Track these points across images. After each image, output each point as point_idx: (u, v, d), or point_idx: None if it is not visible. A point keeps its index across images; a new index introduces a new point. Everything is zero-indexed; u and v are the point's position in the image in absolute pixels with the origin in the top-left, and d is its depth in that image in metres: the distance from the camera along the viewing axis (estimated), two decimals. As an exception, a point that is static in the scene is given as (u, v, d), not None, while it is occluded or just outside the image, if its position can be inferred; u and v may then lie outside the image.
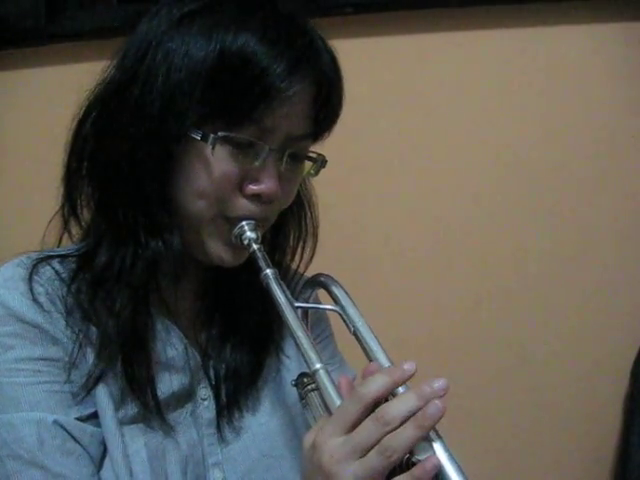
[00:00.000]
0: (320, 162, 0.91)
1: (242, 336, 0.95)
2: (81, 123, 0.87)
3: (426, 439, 0.66)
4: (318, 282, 0.89)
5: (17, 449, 0.78)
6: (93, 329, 0.84)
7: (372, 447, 0.66)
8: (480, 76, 1.60)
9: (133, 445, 0.83)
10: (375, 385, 0.69)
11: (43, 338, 0.82)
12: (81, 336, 0.83)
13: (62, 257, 0.89)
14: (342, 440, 0.68)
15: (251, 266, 0.85)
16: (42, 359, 0.82)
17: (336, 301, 0.85)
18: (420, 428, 0.65)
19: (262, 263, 0.83)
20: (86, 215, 0.90)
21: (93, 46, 1.46)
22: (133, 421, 0.85)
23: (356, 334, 0.80)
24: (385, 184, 1.59)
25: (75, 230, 0.91)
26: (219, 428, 0.92)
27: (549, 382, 1.63)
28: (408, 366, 0.69)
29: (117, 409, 0.84)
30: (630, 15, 1.55)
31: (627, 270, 1.61)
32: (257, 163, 0.83)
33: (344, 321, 0.82)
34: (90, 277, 0.86)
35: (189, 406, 0.91)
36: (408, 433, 0.65)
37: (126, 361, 0.84)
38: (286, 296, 0.80)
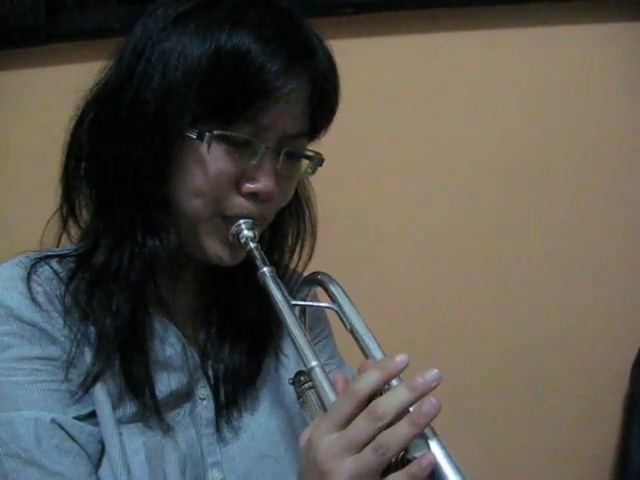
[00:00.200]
0: (317, 161, 0.91)
1: (241, 335, 0.96)
2: (78, 124, 0.88)
3: (422, 437, 0.66)
4: (315, 280, 0.89)
5: (15, 448, 0.78)
6: (91, 328, 0.84)
7: (366, 442, 0.66)
8: (480, 76, 1.60)
9: (131, 444, 0.83)
10: (367, 380, 0.68)
11: (41, 337, 0.82)
12: (79, 335, 0.83)
13: (61, 257, 0.89)
14: (336, 436, 0.67)
15: (249, 265, 0.85)
16: (40, 358, 0.82)
17: (333, 299, 0.85)
18: (415, 425, 0.65)
19: (259, 261, 0.83)
20: (85, 215, 0.90)
21: (93, 46, 1.46)
22: (131, 420, 0.85)
23: (352, 331, 0.80)
24: (383, 183, 1.60)
25: (74, 230, 0.91)
26: (218, 428, 0.92)
27: (549, 382, 1.63)
28: (400, 358, 0.69)
29: (115, 408, 0.84)
30: (630, 15, 1.55)
31: (627, 270, 1.61)
32: (254, 162, 0.83)
33: (341, 319, 0.82)
34: (88, 276, 0.86)
35: (188, 405, 0.91)
36: (403, 430, 0.65)
37: (124, 360, 0.84)
38: (283, 294, 0.80)
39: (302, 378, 0.81)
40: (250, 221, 0.85)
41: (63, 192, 0.90)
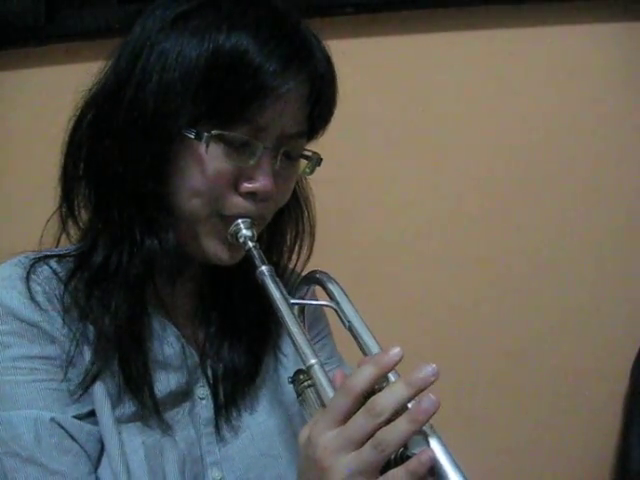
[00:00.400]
0: (315, 160, 0.91)
1: (240, 335, 0.96)
2: (77, 124, 0.88)
3: (422, 434, 0.66)
4: (314, 278, 0.89)
5: (14, 447, 0.79)
6: (90, 328, 0.85)
7: (365, 439, 0.66)
8: (480, 76, 1.60)
9: (130, 443, 0.84)
10: (362, 376, 0.68)
11: (40, 336, 0.83)
12: (78, 334, 0.84)
13: (60, 257, 0.89)
14: (335, 433, 0.67)
15: (248, 264, 0.85)
16: (39, 357, 0.82)
17: (331, 297, 0.85)
18: (414, 422, 0.65)
19: (257, 260, 0.83)
20: (84, 216, 0.90)
21: (93, 46, 1.46)
22: (130, 419, 0.85)
23: (351, 329, 0.80)
24: (383, 183, 1.60)
25: (73, 231, 0.91)
26: (217, 427, 0.92)
27: (549, 382, 1.63)
28: (394, 352, 0.69)
29: (114, 407, 0.84)
30: (630, 15, 1.55)
31: (627, 270, 1.61)
32: (252, 162, 0.83)
33: (339, 316, 0.83)
34: (87, 276, 0.86)
35: (187, 405, 0.91)
36: (402, 427, 0.65)
37: (123, 359, 0.85)
38: (281, 292, 0.80)
39: (301, 376, 0.81)
40: (248, 220, 0.85)
41: (62, 192, 0.90)
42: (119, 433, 0.83)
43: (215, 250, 0.87)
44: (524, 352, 1.62)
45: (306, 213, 1.00)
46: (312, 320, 1.03)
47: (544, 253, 1.62)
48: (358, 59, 1.49)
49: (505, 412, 1.64)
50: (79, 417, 0.82)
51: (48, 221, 0.91)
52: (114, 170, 0.84)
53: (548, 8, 1.56)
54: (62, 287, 0.86)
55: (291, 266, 1.02)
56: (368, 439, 0.66)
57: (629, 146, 1.60)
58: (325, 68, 0.87)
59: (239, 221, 0.85)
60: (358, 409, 0.68)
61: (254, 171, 0.84)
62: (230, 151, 0.83)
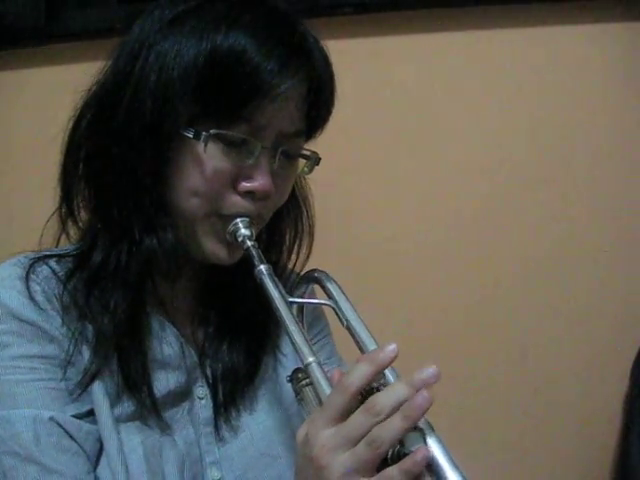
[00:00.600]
0: (314, 160, 0.92)
1: (239, 334, 0.96)
2: (76, 124, 0.88)
3: (419, 432, 0.66)
4: (312, 277, 0.90)
5: (13, 445, 0.79)
6: (89, 327, 0.85)
7: (363, 438, 0.66)
8: (480, 76, 1.60)
9: (129, 443, 0.84)
10: (358, 374, 0.68)
11: (39, 336, 0.83)
12: (77, 334, 0.84)
13: (59, 257, 0.90)
14: (332, 431, 0.67)
15: (247, 264, 0.85)
16: (38, 357, 0.82)
17: (330, 296, 0.85)
18: (407, 419, 0.65)
19: (256, 259, 0.83)
20: (83, 216, 0.90)
21: (93, 46, 1.46)
22: (129, 419, 0.85)
23: (349, 328, 0.80)
24: (382, 183, 1.59)
25: (73, 231, 0.91)
26: (216, 427, 0.92)
27: (549, 382, 1.63)
28: (390, 348, 0.69)
29: (113, 406, 0.84)
30: (631, 15, 1.55)
31: (627, 270, 1.61)
32: (250, 161, 0.83)
33: (337, 315, 0.83)
34: (86, 275, 0.86)
35: (186, 404, 0.91)
36: (395, 424, 0.65)
37: (122, 359, 0.85)
38: (280, 291, 0.80)
39: (299, 375, 0.81)
40: (247, 220, 0.85)
41: (62, 192, 0.90)
42: (118, 432, 0.83)
43: (214, 249, 0.87)
44: (524, 352, 1.62)
45: (305, 212, 1.00)
46: (312, 319, 1.03)
47: (544, 253, 1.61)
48: (357, 59, 1.50)
49: (505, 412, 1.63)
50: (78, 416, 0.82)
51: (48, 221, 0.92)
52: (113, 170, 0.84)
53: (548, 8, 1.56)
54: (61, 287, 0.86)
55: (290, 265, 1.02)
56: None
57: (629, 146, 1.59)
58: (323, 67, 0.87)
59: (238, 220, 0.85)
60: (355, 407, 0.68)
61: (252, 170, 0.84)
62: (228, 150, 0.83)
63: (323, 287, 0.87)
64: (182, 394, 0.91)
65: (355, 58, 1.49)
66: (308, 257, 1.00)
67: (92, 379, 0.83)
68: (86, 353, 0.84)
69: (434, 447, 0.66)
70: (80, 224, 0.91)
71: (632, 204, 1.60)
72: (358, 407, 0.68)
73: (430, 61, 1.59)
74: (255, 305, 0.92)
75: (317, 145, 0.93)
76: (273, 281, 0.81)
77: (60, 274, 0.87)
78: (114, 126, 0.83)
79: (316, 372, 0.73)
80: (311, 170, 0.93)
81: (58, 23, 1.53)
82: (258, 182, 0.84)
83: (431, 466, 0.65)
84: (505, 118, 1.60)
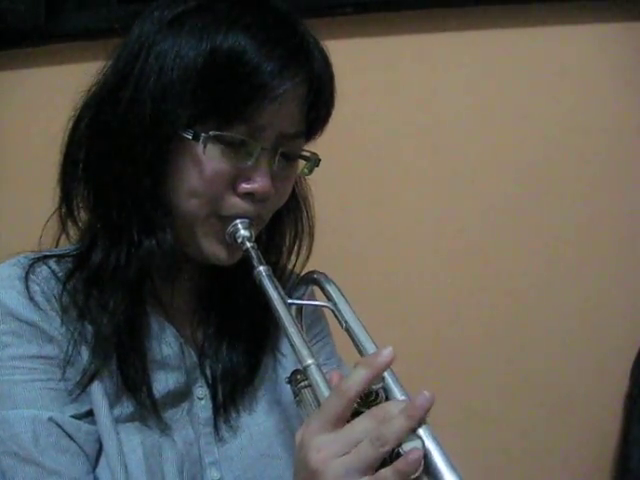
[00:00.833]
0: (313, 161, 0.92)
1: (238, 335, 0.96)
2: (76, 124, 0.88)
3: (415, 433, 0.66)
4: (311, 279, 0.90)
5: (12, 446, 0.79)
6: (88, 327, 0.85)
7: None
8: (480, 76, 1.60)
9: (129, 443, 0.84)
10: (356, 378, 0.68)
11: (39, 336, 0.83)
12: (76, 334, 0.84)
13: (59, 257, 0.90)
14: (330, 437, 0.67)
15: (247, 264, 0.85)
16: (38, 357, 0.82)
17: (329, 298, 0.85)
18: (410, 418, 0.65)
19: (255, 261, 0.83)
20: (83, 216, 0.90)
21: (93, 46, 1.45)
22: (129, 419, 0.85)
23: (348, 330, 0.80)
24: (383, 184, 1.59)
25: (73, 231, 0.91)
26: (216, 427, 0.92)
27: (549, 382, 1.63)
28: (386, 352, 0.69)
29: (112, 407, 0.84)
30: (631, 15, 1.55)
31: (627, 270, 1.61)
32: (249, 162, 0.83)
33: (336, 317, 0.83)
34: (85, 276, 0.86)
35: (185, 405, 0.91)
36: (399, 423, 0.65)
37: (121, 359, 0.85)
38: (279, 293, 0.80)
39: (298, 377, 0.81)
40: (247, 221, 0.85)
41: (61, 193, 0.90)
42: (117, 433, 0.83)
43: (213, 250, 0.87)
44: (524, 352, 1.62)
45: (305, 213, 1.00)
46: (312, 321, 1.03)
47: (544, 253, 1.62)
48: (356, 59, 1.50)
49: (505, 412, 1.63)
50: (77, 417, 0.83)
51: (47, 221, 0.92)
52: (112, 170, 0.84)
53: (548, 8, 1.56)
54: (60, 287, 0.86)
55: (290, 266, 1.02)
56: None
57: (630, 146, 1.59)
58: (323, 68, 0.87)
59: (237, 221, 0.85)
60: (351, 411, 0.68)
61: (252, 171, 0.84)
62: (228, 151, 0.83)
63: (322, 289, 0.87)
64: (181, 394, 0.91)
65: (355, 58, 1.49)
66: (308, 258, 1.00)
67: (91, 379, 0.83)
68: (85, 353, 0.84)
69: (431, 447, 0.66)
70: (80, 224, 0.91)
71: (632, 204, 1.61)
72: (355, 410, 0.68)
73: (430, 61, 1.59)
74: (255, 306, 0.92)
75: (317, 146, 0.92)
76: (272, 282, 0.81)
77: (59, 274, 0.87)
78: (113, 127, 0.83)
79: (315, 374, 0.73)
80: (311, 171, 0.92)
81: (58, 23, 1.53)
82: (257, 183, 0.84)
83: (427, 466, 0.65)
84: (505, 118, 1.60)
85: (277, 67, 0.80)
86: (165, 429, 0.87)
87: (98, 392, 0.83)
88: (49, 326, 0.83)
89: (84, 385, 0.83)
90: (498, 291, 1.62)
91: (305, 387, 0.79)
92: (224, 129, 0.82)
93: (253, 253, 0.84)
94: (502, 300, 1.62)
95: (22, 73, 1.59)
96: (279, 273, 0.97)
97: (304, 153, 0.91)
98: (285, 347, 0.99)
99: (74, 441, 0.81)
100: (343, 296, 0.84)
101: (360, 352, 0.78)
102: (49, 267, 0.88)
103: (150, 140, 0.81)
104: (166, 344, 0.91)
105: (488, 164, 1.60)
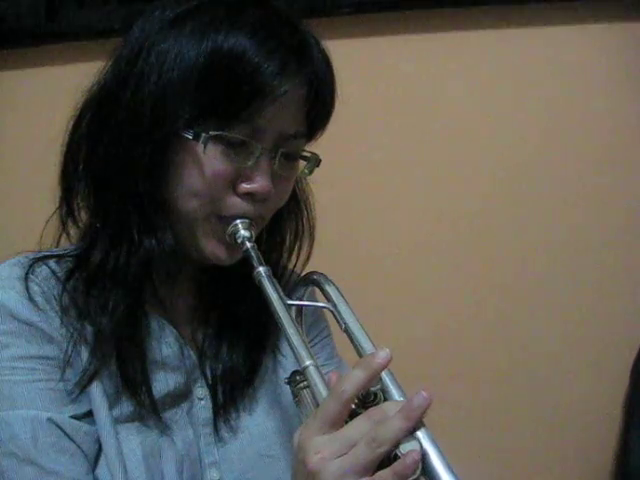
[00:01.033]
0: (314, 161, 0.92)
1: (238, 335, 0.96)
2: (76, 124, 0.88)
3: (413, 434, 0.66)
4: (311, 280, 0.90)
5: (11, 446, 0.79)
6: (88, 328, 0.85)
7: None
8: (480, 76, 1.60)
9: (128, 443, 0.84)
10: (351, 381, 0.68)
11: (38, 337, 0.83)
12: (76, 334, 0.84)
13: (59, 257, 0.90)
14: (327, 438, 0.67)
15: (247, 265, 0.85)
16: (37, 357, 0.82)
17: (328, 299, 0.85)
18: (407, 419, 0.65)
19: (255, 261, 0.83)
20: (84, 216, 0.90)
21: (93, 46, 1.46)
22: (128, 419, 0.85)
23: (347, 331, 0.80)
24: (383, 184, 1.59)
25: (73, 231, 0.91)
26: (216, 428, 0.92)
27: (549, 382, 1.63)
28: (382, 354, 0.69)
29: (112, 407, 0.84)
30: (631, 15, 1.55)
31: (627, 270, 1.61)
32: (250, 162, 0.83)
33: (336, 318, 0.82)
34: (85, 276, 0.86)
35: (185, 405, 0.91)
36: (396, 424, 0.65)
37: (121, 359, 0.85)
38: (278, 294, 0.80)
39: (297, 378, 0.81)
40: (247, 221, 0.85)
41: (62, 192, 0.90)
42: (117, 433, 0.83)
43: (213, 250, 0.87)
44: (524, 352, 1.62)
45: (306, 214, 1.00)
46: (312, 321, 1.03)
47: (544, 254, 1.62)
48: (356, 59, 1.50)
49: (504, 412, 1.63)
50: (77, 417, 0.82)
51: (48, 221, 0.92)
52: (113, 170, 0.84)
53: (549, 8, 1.56)
54: (60, 287, 0.86)
55: (290, 267, 1.02)
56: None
57: (630, 146, 1.59)
58: (324, 69, 0.87)
59: (237, 222, 0.85)
60: (348, 413, 0.68)
61: (252, 172, 0.84)
62: (228, 152, 0.83)
63: (322, 290, 0.87)
64: (181, 395, 0.91)
65: (353, 58, 1.49)
66: (308, 258, 1.00)
67: (91, 380, 0.83)
68: (85, 354, 0.84)
69: (428, 449, 0.66)
70: (80, 224, 0.91)
71: (632, 204, 1.60)
72: (354, 412, 0.68)
73: (430, 61, 1.59)
74: (255, 306, 0.92)
75: (317, 146, 0.92)
76: (272, 283, 0.81)
77: (59, 274, 0.87)
78: (114, 126, 0.83)
79: (313, 375, 0.73)
80: (311, 171, 0.92)
81: (58, 23, 1.53)
82: (258, 184, 0.84)
83: (425, 468, 0.65)
84: (505, 118, 1.60)
85: (278, 67, 0.80)
86: (165, 429, 0.87)
87: (97, 392, 0.83)
88: (49, 326, 0.83)
89: (83, 385, 0.83)
90: (497, 291, 1.62)
91: (304, 388, 0.79)
92: (224, 129, 0.82)
93: (253, 253, 0.84)
94: (501, 300, 1.62)
95: (22, 73, 1.58)
96: (279, 273, 0.97)
97: (304, 153, 0.91)
98: (285, 348, 0.99)
99: (73, 441, 0.81)
100: (343, 297, 0.84)
101: (359, 353, 0.77)
102: (49, 267, 0.88)
103: (150, 140, 0.81)
104: (166, 344, 0.91)
105: (488, 164, 1.60)
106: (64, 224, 0.91)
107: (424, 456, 0.65)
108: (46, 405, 0.81)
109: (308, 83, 0.85)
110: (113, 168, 0.84)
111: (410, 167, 1.60)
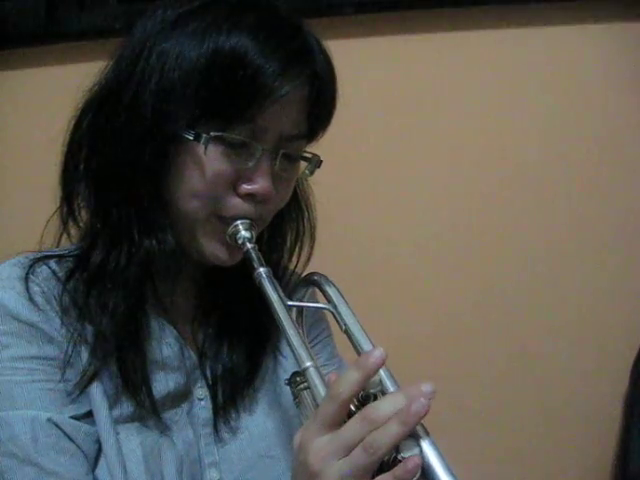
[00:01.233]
0: (315, 162, 0.92)
1: (238, 336, 0.96)
2: (77, 124, 0.88)
3: (414, 438, 0.66)
4: (311, 281, 0.89)
5: (11, 447, 0.79)
6: (89, 328, 0.85)
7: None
8: (480, 76, 1.59)
9: (128, 444, 0.84)
10: (347, 382, 0.68)
11: (39, 337, 0.83)
12: (76, 335, 0.84)
13: (59, 257, 0.90)
14: (327, 438, 0.67)
15: (247, 266, 0.85)
16: (37, 358, 0.82)
17: (329, 300, 0.85)
18: (404, 424, 0.64)
19: (255, 262, 0.83)
20: (84, 216, 0.90)
21: (93, 46, 1.46)
22: (128, 420, 0.85)
23: (347, 332, 0.80)
24: (384, 185, 1.59)
25: (74, 231, 0.91)
26: (216, 428, 0.92)
27: (549, 382, 1.62)
28: (377, 353, 0.68)
29: (112, 408, 0.84)
30: (630, 15, 1.55)
31: (627, 270, 1.61)
32: (251, 163, 0.83)
33: (336, 319, 0.82)
34: (86, 276, 0.86)
35: (185, 405, 0.91)
36: (392, 429, 0.65)
37: (121, 360, 0.85)
38: (279, 295, 0.80)
39: (298, 379, 0.80)
40: (248, 222, 0.85)
41: (62, 192, 0.90)
42: (117, 433, 0.83)
43: (214, 251, 0.87)
44: (524, 352, 1.62)
45: (307, 214, 1.00)
46: (313, 321, 1.03)
47: (544, 254, 1.61)
48: (357, 60, 1.50)
49: (504, 412, 1.63)
50: (76, 417, 0.82)
51: (48, 221, 0.92)
52: (113, 170, 0.84)
53: (549, 8, 1.55)
54: (61, 287, 0.86)
55: (291, 267, 1.02)
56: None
57: (630, 146, 1.59)
58: (326, 70, 0.87)
59: (238, 222, 0.85)
60: (347, 413, 0.68)
61: (253, 173, 0.84)
62: (229, 152, 0.83)
63: (322, 291, 0.87)
64: (181, 395, 0.91)
65: (355, 58, 1.49)
66: (309, 259, 1.00)
67: (91, 380, 0.83)
68: (85, 354, 0.84)
69: (429, 453, 0.65)
70: (81, 224, 0.91)
71: (632, 204, 1.60)
72: (354, 413, 0.68)
73: (431, 61, 1.59)
74: (255, 306, 0.92)
75: (317, 146, 0.92)
76: (272, 284, 0.81)
77: (60, 274, 0.87)
78: (115, 127, 0.83)
79: (313, 377, 0.73)
80: (312, 172, 0.93)
81: (58, 23, 1.53)
82: (259, 185, 0.84)
83: (425, 473, 0.64)
84: (505, 118, 1.60)
85: (279, 68, 0.79)
86: (165, 430, 0.87)
87: (98, 393, 0.83)
88: (49, 327, 0.83)
89: (84, 386, 0.83)
90: (497, 292, 1.62)
91: (304, 389, 0.79)
92: (225, 130, 0.82)
93: (253, 254, 0.84)
94: (502, 301, 1.62)
95: (22, 73, 1.58)
96: (280, 273, 0.97)
97: (305, 154, 0.91)
98: (286, 348, 0.99)
99: (73, 442, 0.81)
100: (343, 298, 0.84)
101: (359, 354, 0.77)
102: (49, 267, 0.88)
103: (151, 140, 0.81)
104: (166, 345, 0.91)
105: (488, 163, 1.60)
106: (65, 224, 0.90)
107: (424, 459, 0.65)
108: (46, 405, 0.81)
109: (309, 84, 0.85)
110: (114, 168, 0.84)
111: (411, 167, 1.59)
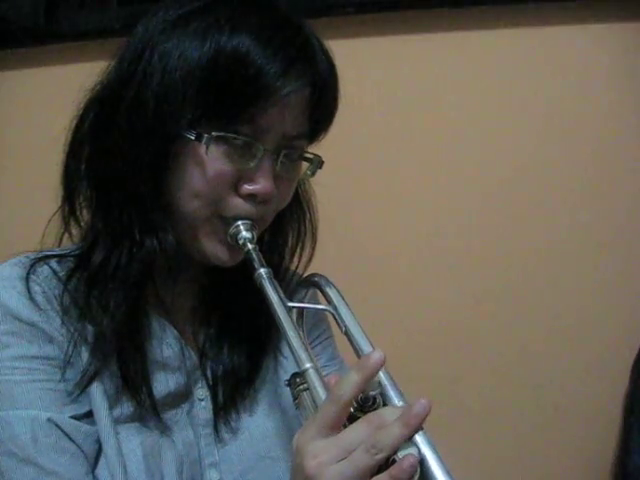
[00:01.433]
0: (316, 163, 0.91)
1: (239, 336, 0.96)
2: (79, 124, 0.88)
3: (411, 438, 0.66)
4: (312, 282, 0.89)
5: (11, 446, 0.79)
6: (89, 328, 0.85)
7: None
8: (480, 76, 1.59)
9: (128, 444, 0.84)
10: (347, 384, 0.68)
11: (39, 336, 0.83)
12: (76, 335, 0.84)
13: (60, 257, 0.90)
14: (325, 442, 0.67)
15: (248, 266, 0.85)
16: (38, 357, 0.82)
17: (329, 301, 0.85)
18: (406, 426, 0.65)
19: (256, 263, 0.83)
20: (85, 215, 0.90)
21: (93, 46, 1.46)
22: (128, 420, 0.85)
23: (347, 334, 0.80)
24: (384, 185, 1.59)
25: (75, 230, 0.91)
26: (216, 428, 0.92)
27: (549, 382, 1.62)
28: (376, 355, 0.68)
29: (112, 408, 0.84)
30: (630, 15, 1.55)
31: (627, 270, 1.61)
32: (252, 163, 0.83)
33: (336, 321, 0.82)
34: (86, 276, 0.86)
35: (185, 406, 0.91)
36: (395, 431, 0.65)
37: (121, 360, 0.85)
38: (279, 295, 0.80)
39: (298, 380, 0.80)
40: (249, 222, 0.85)
41: (64, 192, 0.90)
42: (117, 433, 0.83)
43: (215, 251, 0.87)
44: (524, 352, 1.62)
45: (308, 215, 1.00)
46: (314, 322, 1.03)
47: (544, 253, 1.61)
48: (358, 60, 1.50)
49: (504, 412, 1.63)
50: (77, 417, 0.82)
51: (50, 221, 0.91)
52: (115, 170, 0.84)
53: (549, 8, 1.55)
54: (61, 287, 0.86)
55: (292, 268, 1.02)
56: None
57: (630, 146, 1.59)
58: (327, 70, 0.87)
59: (239, 223, 0.85)
60: (347, 416, 0.68)
61: (255, 173, 0.84)
62: (231, 152, 0.83)
63: (323, 292, 0.87)
64: (182, 395, 0.91)
65: (356, 58, 1.49)
66: (310, 259, 1.00)
67: (91, 380, 0.83)
68: (85, 354, 0.84)
69: (426, 452, 0.66)
70: (82, 224, 0.91)
71: (632, 204, 1.60)
72: (353, 416, 0.68)
73: (431, 61, 1.59)
74: (256, 307, 0.91)
75: (318, 147, 0.92)
76: (272, 285, 0.81)
77: (61, 274, 0.87)
78: (117, 126, 0.83)
79: (313, 378, 0.73)
80: (314, 173, 0.92)
81: (58, 23, 1.53)
82: (260, 185, 0.83)
83: (423, 473, 0.65)
84: (505, 118, 1.60)
85: (281, 68, 0.79)
86: (165, 430, 0.87)
87: (98, 393, 0.83)
88: (49, 326, 0.83)
89: (84, 386, 0.83)
90: (497, 292, 1.62)
91: (304, 390, 0.78)
92: (227, 130, 0.82)
93: (254, 255, 0.84)
94: (502, 301, 1.62)
95: (22, 73, 1.58)
96: (281, 274, 0.97)
97: (307, 155, 0.91)
98: (286, 349, 0.98)
99: (73, 442, 0.81)
100: (343, 300, 0.84)
101: (359, 356, 0.77)
102: (50, 267, 0.88)
103: (153, 140, 0.81)
104: (167, 345, 0.91)
105: (488, 163, 1.60)
106: (66, 224, 0.90)
107: (422, 461, 0.65)
108: (46, 405, 0.81)
109: (311, 84, 0.85)
110: (115, 168, 0.84)
111: (411, 167, 1.59)
